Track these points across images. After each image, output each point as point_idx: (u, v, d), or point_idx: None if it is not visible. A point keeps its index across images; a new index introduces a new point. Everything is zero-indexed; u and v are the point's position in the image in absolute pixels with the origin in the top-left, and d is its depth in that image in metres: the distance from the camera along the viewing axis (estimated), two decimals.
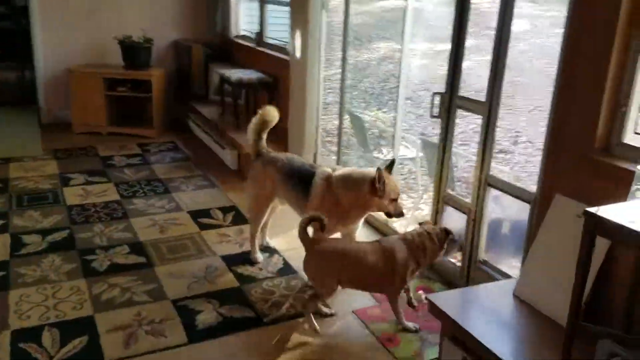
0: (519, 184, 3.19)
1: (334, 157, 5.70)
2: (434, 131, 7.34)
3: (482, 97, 3.22)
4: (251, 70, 5.90)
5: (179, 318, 3.11)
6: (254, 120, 3.61)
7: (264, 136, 3.65)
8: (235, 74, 5.74)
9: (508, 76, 3.12)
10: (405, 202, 4.60)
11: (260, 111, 3.63)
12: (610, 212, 2.00)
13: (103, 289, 3.35)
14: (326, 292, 2.94)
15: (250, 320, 3.12)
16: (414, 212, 4.72)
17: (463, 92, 3.39)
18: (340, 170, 3.30)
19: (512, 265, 3.49)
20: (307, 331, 3.05)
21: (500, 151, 6.60)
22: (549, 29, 8.31)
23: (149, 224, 4.25)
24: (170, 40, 7.07)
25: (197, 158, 5.87)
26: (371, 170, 3.26)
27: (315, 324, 3.02)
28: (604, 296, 2.54)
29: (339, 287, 3.03)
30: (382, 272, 2.93)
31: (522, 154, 6.79)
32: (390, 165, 3.24)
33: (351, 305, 3.24)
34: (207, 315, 3.14)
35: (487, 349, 2.40)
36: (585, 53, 2.54)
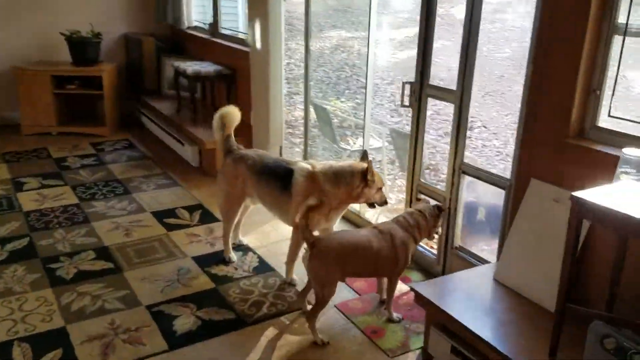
0: (493, 170, 3.23)
1: (298, 150, 5.64)
2: (393, 119, 7.40)
3: (442, 83, 3.21)
4: (208, 63, 5.74)
5: (156, 324, 3.00)
6: (216, 117, 3.52)
7: (231, 132, 3.56)
8: (192, 66, 5.57)
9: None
10: None
11: (220, 110, 3.53)
12: (595, 195, 2.03)
13: (72, 298, 3.20)
14: (328, 292, 2.86)
15: (231, 322, 3.05)
16: None
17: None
18: (321, 165, 3.22)
19: (483, 249, 3.54)
20: (293, 329, 3.00)
21: None
22: (492, 15, 8.46)
23: (112, 227, 4.09)
24: (120, 33, 6.80)
25: (154, 155, 5.69)
26: (354, 163, 3.23)
27: (321, 337, 2.90)
28: (581, 278, 2.60)
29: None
30: (387, 256, 2.94)
31: (478, 139, 6.93)
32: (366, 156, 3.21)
33: (333, 300, 3.19)
34: (185, 320, 3.04)
35: (475, 334, 2.42)
36: (557, 38, 2.57)
